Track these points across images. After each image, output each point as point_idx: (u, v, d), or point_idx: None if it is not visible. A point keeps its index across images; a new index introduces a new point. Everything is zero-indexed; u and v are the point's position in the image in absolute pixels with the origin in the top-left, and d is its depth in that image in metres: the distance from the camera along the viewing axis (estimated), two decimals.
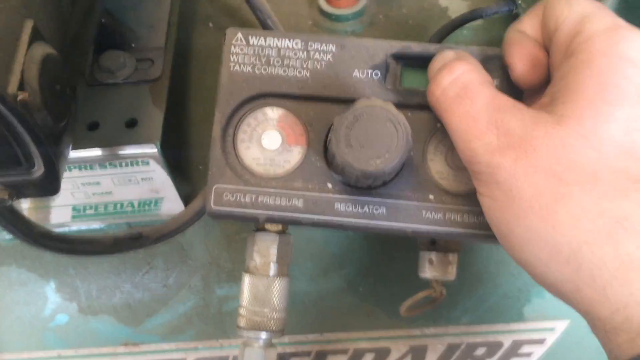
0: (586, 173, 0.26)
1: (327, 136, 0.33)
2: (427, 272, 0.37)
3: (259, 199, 0.33)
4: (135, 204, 0.43)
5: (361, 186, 0.32)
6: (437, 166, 0.33)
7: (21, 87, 0.24)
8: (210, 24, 0.49)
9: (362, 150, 0.29)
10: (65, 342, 0.47)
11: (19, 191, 0.28)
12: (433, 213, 0.33)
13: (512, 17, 0.44)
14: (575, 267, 0.25)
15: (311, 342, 0.48)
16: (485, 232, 0.32)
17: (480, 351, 0.50)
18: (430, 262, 0.37)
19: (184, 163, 0.45)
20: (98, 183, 0.40)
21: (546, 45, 0.30)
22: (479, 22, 0.46)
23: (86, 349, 0.48)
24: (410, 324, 0.48)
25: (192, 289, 0.46)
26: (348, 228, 0.33)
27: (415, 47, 0.33)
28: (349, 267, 0.46)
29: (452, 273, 0.37)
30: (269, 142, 0.34)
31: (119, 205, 0.43)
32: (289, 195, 0.33)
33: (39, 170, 0.27)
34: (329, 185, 0.33)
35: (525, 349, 0.50)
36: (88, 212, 0.43)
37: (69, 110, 0.29)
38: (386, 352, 0.49)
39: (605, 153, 0.26)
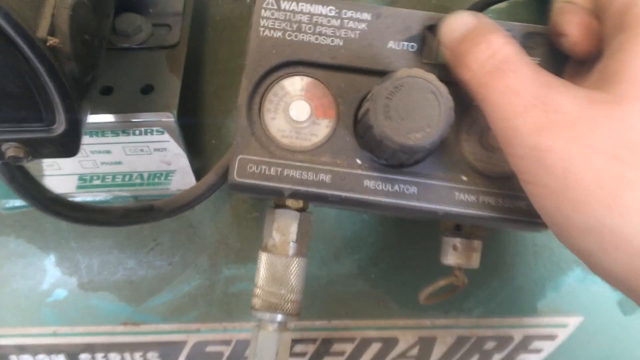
0: None
1: (357, 109, 0.32)
2: (451, 258, 0.36)
3: (285, 172, 0.31)
4: (145, 176, 0.41)
5: (393, 163, 0.31)
6: (471, 146, 0.32)
7: (51, 32, 0.22)
8: None
9: (402, 123, 0.27)
10: (62, 318, 0.45)
11: (36, 150, 0.26)
12: (466, 195, 0.31)
13: (542, 1, 0.43)
14: None
15: (318, 329, 0.47)
16: (521, 217, 0.31)
17: (489, 345, 0.48)
18: (455, 248, 0.36)
19: (196, 136, 0.43)
20: (109, 151, 0.39)
21: (600, 18, 0.29)
22: (503, 4, 0.45)
23: (83, 327, 0.46)
24: (421, 313, 0.46)
25: (199, 269, 0.44)
26: (377, 207, 0.31)
27: None
28: (362, 251, 0.45)
29: (476, 261, 0.36)
30: (296, 113, 0.32)
31: (127, 177, 0.41)
32: (316, 170, 0.31)
33: (59, 127, 0.25)
34: (358, 162, 0.31)
35: (535, 344, 0.48)
36: (95, 182, 0.41)
37: (96, 63, 0.27)
38: (394, 342, 0.48)
39: None
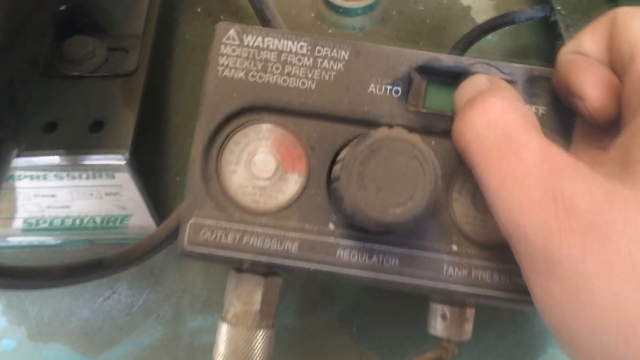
0: None
1: (332, 164, 0.27)
2: (439, 329, 0.31)
3: (244, 239, 0.26)
4: (98, 220, 0.36)
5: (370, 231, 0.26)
6: (462, 208, 0.27)
7: None
8: (199, 9, 0.43)
9: (379, 195, 0.22)
10: None
11: None
12: (456, 269, 0.27)
13: (548, 24, 0.38)
14: None
15: None
16: (520, 296, 0.26)
17: None
18: (444, 317, 0.31)
19: (158, 172, 0.38)
20: (53, 195, 0.34)
21: (616, 73, 0.24)
22: (504, 29, 0.40)
23: None
24: None
25: (161, 319, 0.40)
26: (351, 280, 0.27)
27: (447, 60, 0.27)
28: (342, 302, 0.40)
29: (468, 332, 0.31)
30: (260, 167, 0.27)
31: (78, 221, 0.36)
32: (281, 237, 0.26)
33: None
34: (331, 227, 0.27)
35: None
36: (42, 225, 0.36)
37: (6, 120, 0.23)
38: None
39: None
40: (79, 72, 0.34)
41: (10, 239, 0.38)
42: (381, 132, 0.23)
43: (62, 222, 0.36)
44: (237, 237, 0.26)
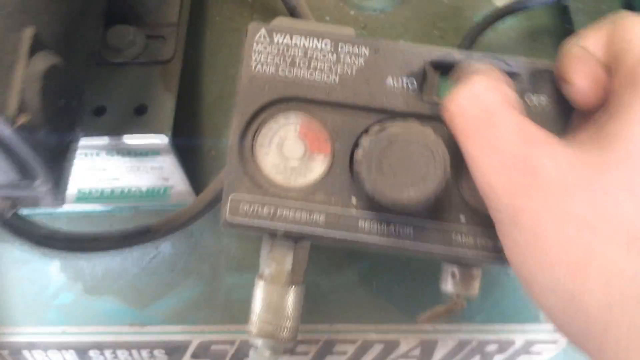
0: (626, 230, 0.23)
1: (354, 147, 0.30)
2: (450, 286, 0.35)
3: (278, 212, 0.30)
4: (144, 190, 0.40)
5: None
6: (470, 184, 0.31)
7: (21, 108, 0.21)
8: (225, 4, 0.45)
9: (395, 178, 0.26)
10: (70, 319, 0.47)
11: (21, 202, 0.26)
12: (463, 236, 0.30)
13: (560, 8, 0.40)
14: (602, 328, 0.23)
15: (320, 332, 0.47)
16: None
17: (491, 348, 0.49)
18: (454, 275, 0.35)
19: (195, 148, 0.42)
20: (104, 169, 0.38)
21: (610, 68, 0.27)
22: (515, 18, 0.43)
23: (91, 327, 0.47)
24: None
25: (200, 276, 0.45)
26: (372, 247, 0.31)
27: (458, 55, 0.30)
28: (364, 261, 0.44)
29: (475, 288, 0.35)
30: (290, 150, 0.31)
31: (126, 191, 0.40)
32: (310, 209, 0.30)
33: (42, 185, 0.25)
34: (353, 201, 0.30)
35: (536, 347, 0.49)
36: (94, 195, 0.41)
37: (76, 122, 0.26)
38: (395, 344, 0.48)
39: None
40: (122, 59, 0.38)
41: (65, 206, 0.43)
42: (397, 125, 0.26)
43: (112, 192, 0.40)
44: (272, 210, 0.30)
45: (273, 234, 0.32)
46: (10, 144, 0.21)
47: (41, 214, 0.43)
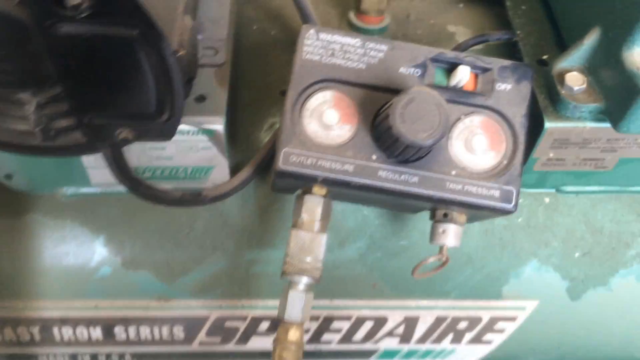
0: None
1: (374, 118, 0.42)
2: (439, 240, 0.46)
3: (318, 162, 0.41)
4: (189, 171, 0.49)
5: (401, 159, 0.41)
6: (458, 149, 0.42)
7: (179, 44, 0.31)
8: (255, 27, 0.58)
9: (413, 125, 0.37)
10: (105, 293, 0.53)
11: (142, 134, 0.35)
12: (454, 184, 0.41)
13: (511, 44, 0.54)
14: None
15: (321, 308, 0.56)
16: (493, 203, 0.41)
17: (462, 325, 0.58)
18: (443, 231, 0.45)
19: (231, 139, 0.52)
20: (163, 148, 0.47)
21: None
22: (480, 46, 0.56)
23: (121, 301, 0.53)
24: (408, 295, 0.56)
25: (225, 252, 0.53)
26: (387, 191, 0.41)
27: (449, 54, 0.42)
28: (362, 241, 0.54)
29: (458, 241, 0.46)
30: (327, 119, 0.42)
31: (174, 171, 0.49)
32: (342, 161, 0.41)
33: (164, 117, 0.34)
34: (374, 157, 0.41)
35: (499, 325, 0.58)
36: (146, 174, 0.49)
37: (193, 76, 0.36)
38: (383, 321, 0.57)
39: None
40: None
41: (108, 187, 0.51)
42: (416, 88, 0.38)
43: (162, 171, 0.49)
44: (313, 162, 0.41)
45: (313, 181, 0.42)
46: (169, 69, 0.31)
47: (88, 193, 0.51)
